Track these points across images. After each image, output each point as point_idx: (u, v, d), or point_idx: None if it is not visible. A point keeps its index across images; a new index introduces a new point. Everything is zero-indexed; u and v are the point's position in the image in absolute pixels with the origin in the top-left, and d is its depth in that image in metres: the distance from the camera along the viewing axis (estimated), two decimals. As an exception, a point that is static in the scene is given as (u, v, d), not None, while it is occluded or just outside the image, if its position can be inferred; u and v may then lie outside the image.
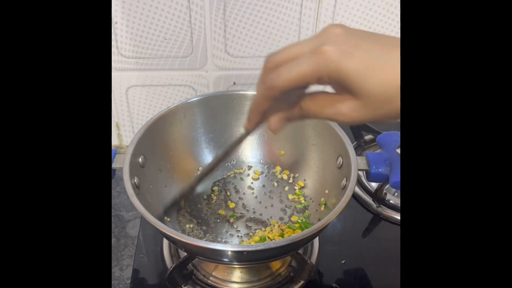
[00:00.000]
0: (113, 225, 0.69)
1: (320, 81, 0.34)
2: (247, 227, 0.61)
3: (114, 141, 0.88)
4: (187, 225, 0.60)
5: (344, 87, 0.33)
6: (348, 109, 0.34)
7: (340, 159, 0.58)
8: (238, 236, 0.60)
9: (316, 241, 0.63)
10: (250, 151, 0.70)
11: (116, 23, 0.73)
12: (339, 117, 0.34)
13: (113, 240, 0.67)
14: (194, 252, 0.51)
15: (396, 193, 0.71)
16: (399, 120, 0.31)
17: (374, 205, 0.68)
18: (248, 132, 0.44)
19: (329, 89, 0.36)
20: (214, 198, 0.64)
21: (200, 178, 0.59)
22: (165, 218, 0.59)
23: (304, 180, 0.66)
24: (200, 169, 0.68)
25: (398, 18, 0.75)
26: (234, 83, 0.82)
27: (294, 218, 0.61)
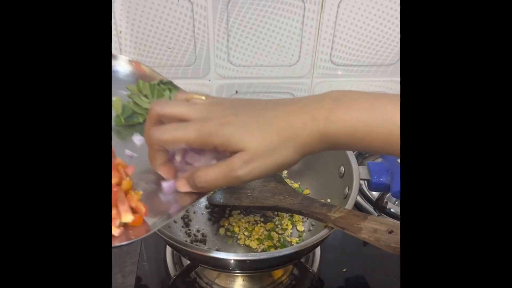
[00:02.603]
0: (115, 232, 0.69)
1: (205, 147, 0.39)
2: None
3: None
4: (190, 232, 0.61)
5: (229, 149, 0.38)
6: (240, 161, 0.37)
7: (342, 168, 0.58)
8: (239, 245, 0.60)
9: (317, 249, 0.63)
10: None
11: (120, 32, 0.74)
12: (234, 172, 0.38)
13: (115, 247, 0.67)
14: (198, 260, 0.52)
15: (396, 202, 0.72)
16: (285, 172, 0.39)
17: (375, 213, 0.69)
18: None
19: None
20: (216, 208, 0.65)
21: None
22: (167, 226, 0.60)
23: (306, 188, 0.66)
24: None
25: (399, 29, 0.76)
26: (237, 92, 0.83)
27: (300, 228, 0.62)
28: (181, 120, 0.40)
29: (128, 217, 0.38)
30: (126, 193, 0.40)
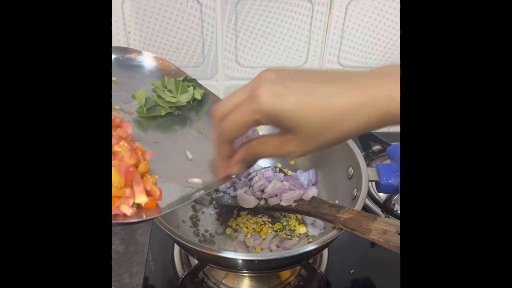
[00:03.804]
0: (122, 232, 0.70)
1: (259, 123, 0.37)
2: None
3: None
4: (198, 232, 0.61)
5: (282, 127, 0.37)
6: (293, 146, 0.37)
7: (350, 170, 0.58)
8: (246, 245, 0.60)
9: (325, 251, 0.63)
10: (261, 161, 0.70)
11: (129, 32, 0.74)
12: (289, 154, 0.38)
13: (122, 246, 0.67)
14: (207, 260, 0.52)
15: (404, 204, 0.72)
16: (337, 144, 0.37)
17: (382, 215, 0.69)
18: (225, 178, 0.45)
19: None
20: (224, 209, 0.65)
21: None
22: (176, 226, 0.60)
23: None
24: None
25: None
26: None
27: (302, 230, 0.62)
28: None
29: (142, 198, 0.39)
30: (142, 175, 0.41)
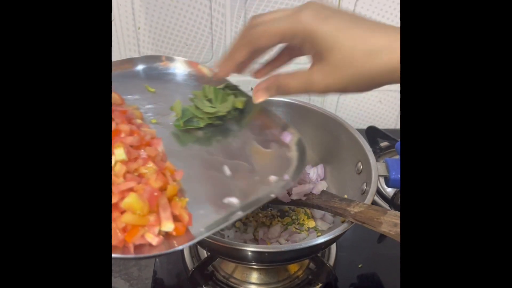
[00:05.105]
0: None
1: (293, 39, 0.38)
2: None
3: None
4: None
5: (315, 48, 0.37)
6: (320, 76, 0.37)
7: (359, 165, 0.59)
8: (255, 239, 0.61)
9: (333, 246, 0.64)
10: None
11: (139, 28, 0.75)
12: (313, 86, 0.38)
13: (131, 240, 0.68)
14: (218, 252, 0.53)
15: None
16: (365, 91, 0.37)
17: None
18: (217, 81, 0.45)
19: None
20: None
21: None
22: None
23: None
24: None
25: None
26: (252, 89, 0.83)
27: (311, 224, 0.62)
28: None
29: (168, 226, 0.35)
30: (171, 199, 0.38)
